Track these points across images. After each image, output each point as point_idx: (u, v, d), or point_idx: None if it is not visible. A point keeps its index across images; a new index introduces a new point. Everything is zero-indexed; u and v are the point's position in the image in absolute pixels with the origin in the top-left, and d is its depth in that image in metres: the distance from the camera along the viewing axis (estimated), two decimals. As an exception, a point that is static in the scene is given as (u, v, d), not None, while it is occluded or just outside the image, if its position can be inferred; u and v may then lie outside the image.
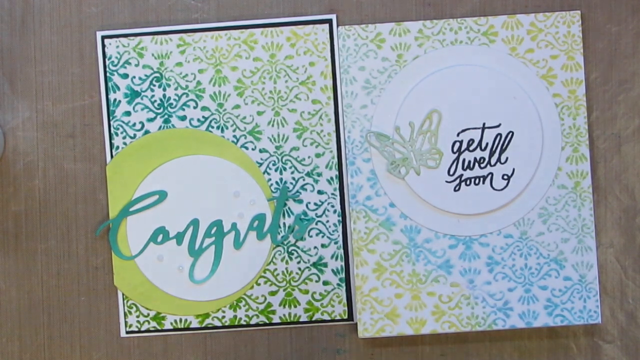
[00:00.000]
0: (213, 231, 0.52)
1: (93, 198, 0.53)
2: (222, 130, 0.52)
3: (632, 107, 0.52)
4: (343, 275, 0.52)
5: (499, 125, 0.51)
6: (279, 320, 0.53)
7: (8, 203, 0.53)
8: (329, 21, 0.52)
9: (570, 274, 0.52)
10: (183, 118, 0.52)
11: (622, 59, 0.52)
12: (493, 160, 0.52)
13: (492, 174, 0.52)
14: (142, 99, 0.52)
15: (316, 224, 0.52)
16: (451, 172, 0.52)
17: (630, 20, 0.52)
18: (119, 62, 0.52)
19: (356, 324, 0.53)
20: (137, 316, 0.53)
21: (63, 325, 0.53)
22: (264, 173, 0.52)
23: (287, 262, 0.52)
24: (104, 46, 0.52)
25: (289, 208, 0.52)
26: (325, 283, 0.52)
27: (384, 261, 0.52)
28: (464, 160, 0.52)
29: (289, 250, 0.52)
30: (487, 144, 0.52)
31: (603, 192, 0.52)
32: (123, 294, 0.53)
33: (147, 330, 0.53)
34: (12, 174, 0.53)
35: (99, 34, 0.52)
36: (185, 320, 0.53)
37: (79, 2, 0.52)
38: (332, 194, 0.52)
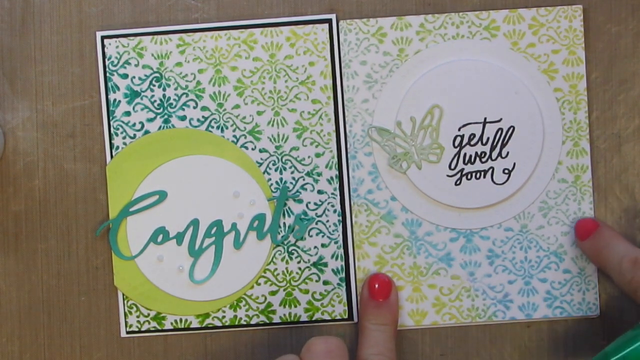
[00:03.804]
0: (213, 231, 0.52)
1: (93, 198, 0.53)
2: (222, 130, 0.52)
3: (632, 107, 0.53)
4: (343, 275, 0.52)
5: (500, 120, 0.52)
6: (279, 320, 0.52)
7: (8, 203, 0.53)
8: (329, 21, 0.52)
9: (570, 267, 0.52)
10: (183, 118, 0.52)
11: (622, 59, 0.52)
12: (494, 155, 0.52)
13: (493, 168, 0.52)
14: (142, 99, 0.52)
15: (316, 223, 0.52)
16: (452, 167, 0.52)
17: (630, 20, 0.52)
18: (118, 62, 0.52)
19: (356, 323, 0.52)
20: (138, 316, 0.52)
21: (63, 325, 0.53)
22: (263, 173, 0.52)
23: (287, 262, 0.52)
24: (103, 46, 0.52)
25: (289, 208, 0.52)
26: (326, 283, 0.52)
27: (385, 254, 0.52)
28: (465, 155, 0.52)
29: (289, 250, 0.52)
30: (488, 138, 0.52)
31: (603, 192, 0.52)
32: (123, 294, 0.52)
33: (148, 331, 0.52)
34: (12, 174, 0.53)
35: (99, 34, 0.52)
36: (186, 320, 0.52)
37: (79, 2, 0.53)
38: (332, 193, 0.52)
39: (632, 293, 0.47)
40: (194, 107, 0.52)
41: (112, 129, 0.52)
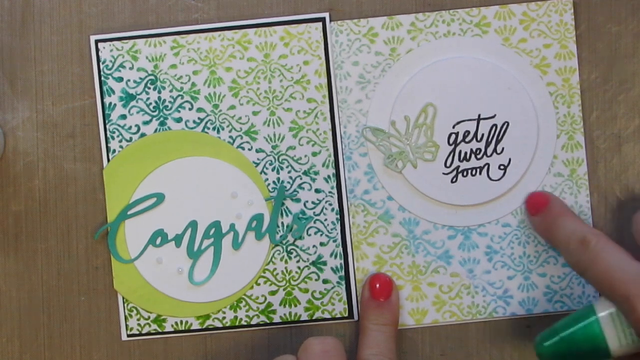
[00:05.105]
0: (211, 232, 0.52)
1: (93, 198, 0.53)
2: (218, 131, 0.53)
3: (632, 107, 0.52)
4: (342, 274, 0.52)
5: (494, 116, 0.52)
6: (279, 320, 0.52)
7: (8, 203, 0.53)
8: (322, 19, 0.52)
9: (569, 261, 0.52)
10: (179, 120, 0.53)
11: (622, 59, 0.52)
12: (489, 151, 0.52)
13: (488, 164, 0.52)
14: (137, 102, 0.53)
15: (314, 222, 0.52)
16: (448, 164, 0.52)
17: (630, 20, 0.52)
18: (113, 66, 0.53)
19: (357, 322, 0.52)
20: (138, 319, 0.53)
21: (63, 325, 0.53)
22: (261, 173, 0.52)
23: (286, 262, 0.52)
24: (97, 50, 0.53)
25: (286, 207, 0.52)
26: (325, 281, 0.52)
27: (383, 254, 0.52)
28: (460, 152, 0.52)
29: (288, 249, 0.52)
30: (482, 135, 0.52)
31: (603, 192, 0.52)
32: (123, 298, 0.53)
33: (149, 333, 0.53)
34: (12, 174, 0.53)
35: (93, 38, 0.52)
36: (186, 322, 0.53)
37: (79, 2, 0.53)
38: (330, 192, 0.52)
39: (581, 273, 0.46)
40: (190, 109, 0.53)
41: (108, 132, 0.53)
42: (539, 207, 0.50)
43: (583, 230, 0.46)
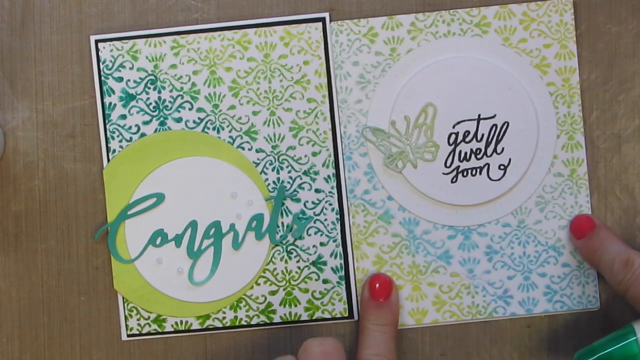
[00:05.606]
0: (211, 232, 0.52)
1: (93, 198, 0.53)
2: (218, 131, 0.53)
3: (632, 107, 0.52)
4: (342, 273, 0.52)
5: (494, 116, 0.52)
6: (279, 320, 0.52)
7: (8, 203, 0.53)
8: (322, 19, 0.52)
9: (569, 261, 0.52)
10: (179, 120, 0.53)
11: (622, 59, 0.52)
12: (489, 151, 0.52)
13: (488, 164, 0.52)
14: (137, 102, 0.53)
15: (314, 222, 0.52)
16: (448, 164, 0.52)
17: (630, 20, 0.52)
18: (113, 66, 0.53)
19: (357, 322, 0.52)
20: (138, 319, 0.53)
21: (63, 325, 0.53)
22: (261, 173, 0.52)
23: (286, 262, 0.52)
24: (97, 50, 0.53)
25: (286, 207, 0.52)
26: (325, 281, 0.52)
27: (383, 254, 0.52)
28: (460, 152, 0.52)
29: (288, 249, 0.52)
30: (482, 135, 0.52)
31: (603, 192, 0.52)
32: (123, 297, 0.53)
33: (149, 333, 0.53)
34: (12, 174, 0.53)
35: (93, 38, 0.52)
36: (186, 322, 0.53)
37: (79, 2, 0.53)
38: (330, 192, 0.52)
39: (623, 294, 0.47)
40: (190, 109, 0.53)
41: (108, 132, 0.53)
42: (584, 231, 0.50)
43: (627, 252, 0.47)
